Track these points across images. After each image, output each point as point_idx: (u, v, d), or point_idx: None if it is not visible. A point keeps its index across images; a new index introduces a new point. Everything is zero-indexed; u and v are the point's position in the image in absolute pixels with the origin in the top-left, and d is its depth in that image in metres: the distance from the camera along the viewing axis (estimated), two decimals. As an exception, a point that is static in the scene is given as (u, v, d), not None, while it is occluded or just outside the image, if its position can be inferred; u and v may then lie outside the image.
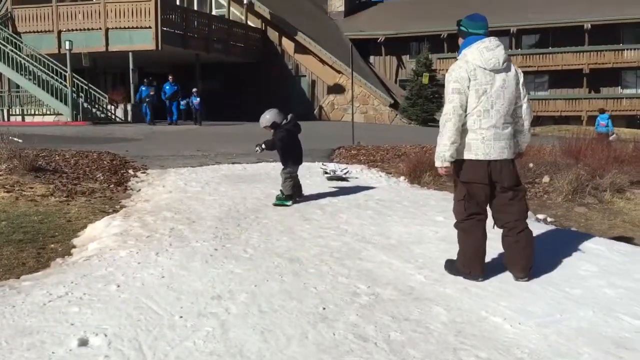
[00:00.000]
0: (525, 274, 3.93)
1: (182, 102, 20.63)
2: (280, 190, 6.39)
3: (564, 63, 28.60)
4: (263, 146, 6.27)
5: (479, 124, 3.78)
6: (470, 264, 3.93)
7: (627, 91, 28.52)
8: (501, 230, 4.06)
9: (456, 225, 4.03)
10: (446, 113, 3.79)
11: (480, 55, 3.75)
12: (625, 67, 28.87)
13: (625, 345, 3.02)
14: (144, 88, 20.28)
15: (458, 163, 3.87)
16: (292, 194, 6.32)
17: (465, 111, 3.78)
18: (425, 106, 25.22)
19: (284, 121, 6.32)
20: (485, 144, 3.79)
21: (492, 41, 3.83)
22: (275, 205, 6.21)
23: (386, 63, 32.33)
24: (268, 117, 6.29)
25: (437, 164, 3.90)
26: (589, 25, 28.44)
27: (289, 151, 6.39)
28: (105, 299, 3.45)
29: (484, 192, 3.88)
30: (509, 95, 3.82)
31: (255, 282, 3.84)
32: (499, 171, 3.85)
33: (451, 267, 4.08)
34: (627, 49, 28.48)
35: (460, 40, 3.96)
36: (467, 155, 3.83)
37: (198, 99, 19.99)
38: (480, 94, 3.74)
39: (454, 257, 4.12)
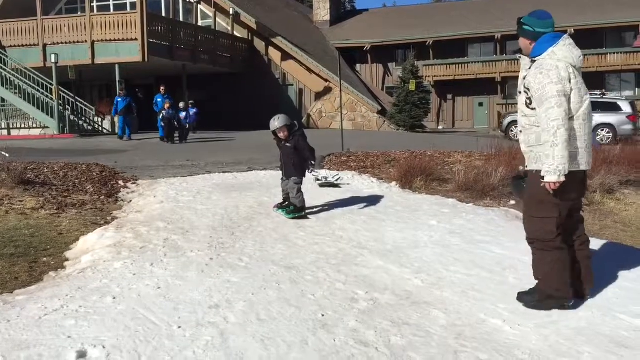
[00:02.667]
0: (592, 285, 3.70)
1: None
2: (285, 202, 6.24)
3: (549, 67, 28.86)
4: (313, 162, 6.13)
5: (584, 130, 3.40)
6: (566, 285, 3.47)
7: (611, 94, 28.79)
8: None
9: (544, 246, 3.49)
10: (556, 118, 3.27)
11: (571, 53, 3.39)
12: (609, 71, 29.19)
13: (624, 344, 3.03)
14: (119, 100, 18.86)
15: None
16: (304, 205, 6.16)
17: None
18: (412, 112, 25.29)
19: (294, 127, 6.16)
20: (587, 152, 3.41)
21: (570, 38, 3.48)
22: (292, 218, 6.00)
23: (373, 71, 32.47)
24: (283, 117, 6.04)
25: (552, 178, 3.31)
26: (573, 30, 28.69)
27: (301, 159, 6.15)
28: (101, 311, 3.41)
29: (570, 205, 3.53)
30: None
31: (253, 290, 3.82)
32: (585, 182, 3.59)
33: (535, 298, 3.54)
34: (610, 53, 28.82)
35: (524, 41, 3.55)
36: (572, 167, 3.34)
37: (184, 113, 18.70)
38: (582, 94, 3.39)
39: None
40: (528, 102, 3.47)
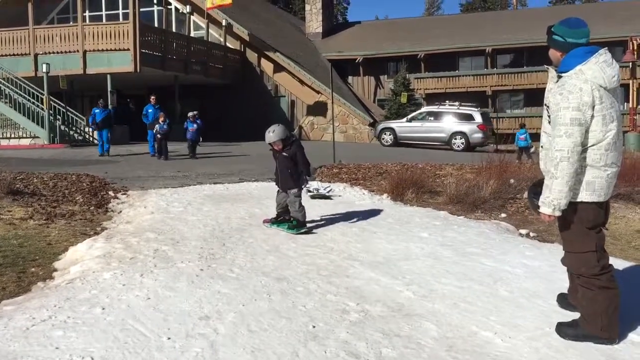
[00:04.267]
0: None
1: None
2: (279, 216, 6.08)
3: (539, 82, 29.07)
4: (307, 177, 6.04)
5: (605, 160, 3.12)
6: (611, 325, 3.21)
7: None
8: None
9: (588, 283, 3.23)
10: (562, 149, 3.05)
11: (602, 73, 3.06)
12: (598, 85, 29.43)
13: (615, 357, 3.04)
14: (97, 111, 17.01)
15: (574, 206, 3.18)
16: (306, 219, 5.98)
17: (584, 145, 3.09)
18: (404, 125, 25.41)
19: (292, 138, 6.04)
20: (608, 183, 3.17)
21: (607, 53, 3.14)
22: (297, 234, 5.78)
23: (364, 83, 32.58)
24: (278, 130, 5.85)
25: (546, 211, 3.17)
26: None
27: (298, 170, 6.00)
28: (90, 322, 3.38)
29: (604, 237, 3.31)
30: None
31: (243, 301, 3.79)
32: (608, 209, 3.36)
33: (578, 332, 3.26)
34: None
35: (554, 52, 3.27)
36: (588, 197, 3.15)
37: (194, 125, 16.31)
38: (608, 122, 3.07)
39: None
40: (548, 119, 3.25)
